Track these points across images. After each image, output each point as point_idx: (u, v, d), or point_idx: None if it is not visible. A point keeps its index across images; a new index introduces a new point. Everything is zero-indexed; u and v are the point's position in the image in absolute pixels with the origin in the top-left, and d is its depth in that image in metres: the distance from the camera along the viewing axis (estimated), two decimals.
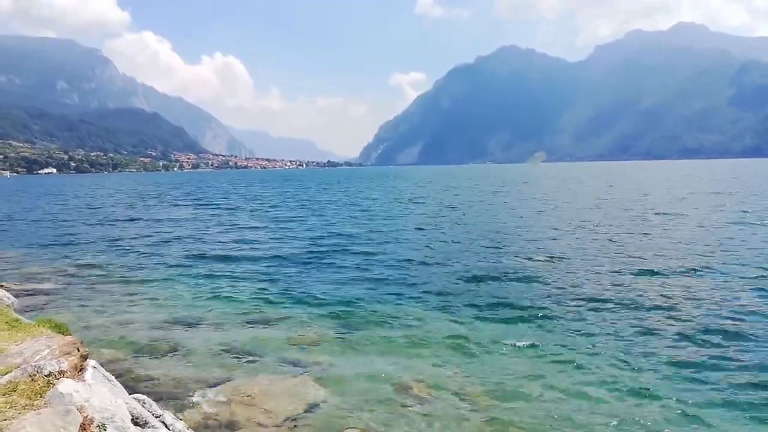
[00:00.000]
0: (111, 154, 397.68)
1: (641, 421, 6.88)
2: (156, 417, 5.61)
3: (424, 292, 13.59)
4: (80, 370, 4.83)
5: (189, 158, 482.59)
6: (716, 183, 67.37)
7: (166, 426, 5.64)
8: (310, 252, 20.28)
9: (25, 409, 3.91)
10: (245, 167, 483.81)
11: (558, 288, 13.65)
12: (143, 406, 5.51)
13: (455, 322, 11.06)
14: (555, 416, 7.04)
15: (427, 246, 20.98)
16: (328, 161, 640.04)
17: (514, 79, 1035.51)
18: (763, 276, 14.29)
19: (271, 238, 24.40)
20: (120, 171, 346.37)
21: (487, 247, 20.41)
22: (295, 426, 6.88)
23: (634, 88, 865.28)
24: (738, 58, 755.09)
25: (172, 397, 7.69)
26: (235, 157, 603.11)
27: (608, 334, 10.09)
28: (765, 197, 42.10)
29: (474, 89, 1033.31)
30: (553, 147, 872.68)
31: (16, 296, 11.79)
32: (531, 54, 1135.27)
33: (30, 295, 13.68)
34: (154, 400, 6.18)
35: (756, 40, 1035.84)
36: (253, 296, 13.56)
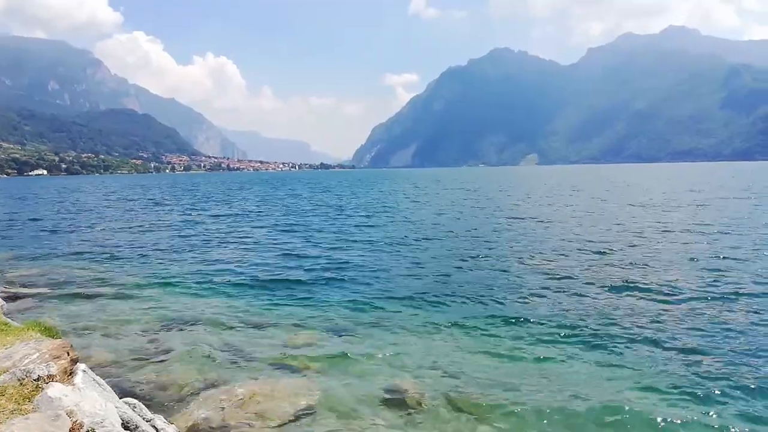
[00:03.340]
0: (102, 156, 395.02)
1: (643, 422, 6.92)
2: (147, 421, 5.55)
3: (422, 296, 13.47)
4: (70, 374, 4.77)
5: (181, 160, 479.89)
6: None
7: (157, 430, 5.61)
8: (306, 256, 20.15)
9: (13, 413, 3.85)
10: (238, 169, 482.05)
11: (559, 292, 13.61)
12: (134, 411, 5.47)
13: (453, 327, 10.96)
14: (554, 420, 7.07)
15: (425, 250, 20.91)
16: (321, 163, 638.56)
17: (507, 81, 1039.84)
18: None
19: (265, 242, 24.26)
20: (111, 173, 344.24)
21: (489, 251, 20.36)
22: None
23: (626, 91, 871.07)
24: (729, 62, 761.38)
25: (163, 401, 7.62)
26: (228, 159, 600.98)
27: (609, 334, 10.07)
28: None
29: (467, 92, 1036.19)
30: (545, 149, 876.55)
31: (5, 299, 11.63)
32: (523, 56, 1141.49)
33: (19, 298, 13.47)
34: (145, 404, 6.14)
35: (747, 43, 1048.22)
36: (246, 300, 13.44)
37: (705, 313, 11.26)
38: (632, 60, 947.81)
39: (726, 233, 22.90)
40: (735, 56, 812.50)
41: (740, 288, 13.18)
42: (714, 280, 14.16)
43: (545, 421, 7.05)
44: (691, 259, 17.09)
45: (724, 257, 17.29)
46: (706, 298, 12.40)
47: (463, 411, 7.35)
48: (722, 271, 15.31)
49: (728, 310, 11.45)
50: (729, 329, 10.22)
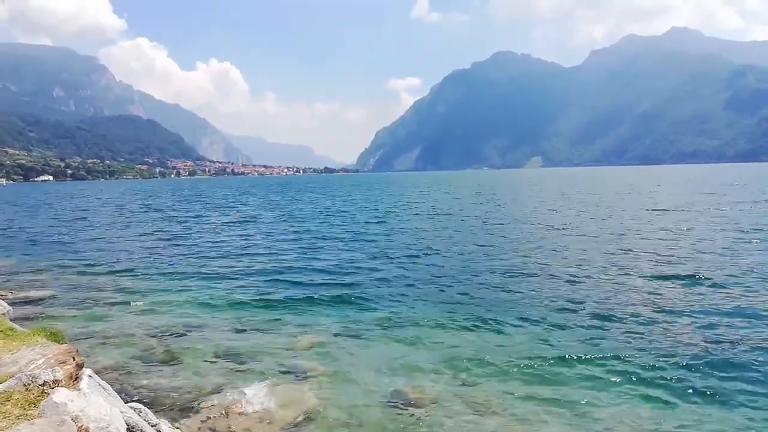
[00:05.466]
0: (107, 162, 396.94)
1: (644, 426, 6.94)
2: (152, 426, 5.55)
3: (424, 299, 13.56)
4: (75, 379, 4.79)
5: (186, 165, 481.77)
6: None
7: None
8: (308, 257, 20.25)
9: (18, 419, 3.87)
10: (242, 174, 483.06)
11: (559, 295, 13.64)
12: (139, 415, 5.47)
13: (455, 329, 11.00)
14: (555, 422, 7.07)
15: (427, 253, 20.95)
16: (325, 167, 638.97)
17: (510, 84, 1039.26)
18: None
19: (267, 245, 24.35)
20: (117, 178, 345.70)
21: (490, 255, 20.41)
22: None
23: (629, 93, 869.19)
24: (732, 63, 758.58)
25: (168, 406, 7.65)
26: (232, 164, 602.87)
27: (612, 340, 10.10)
28: None
29: (470, 95, 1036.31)
30: (549, 152, 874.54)
31: (11, 305, 11.74)
32: (526, 59, 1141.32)
33: (26, 303, 13.60)
34: (150, 409, 6.16)
35: (750, 44, 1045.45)
36: (250, 303, 13.51)
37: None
38: (635, 62, 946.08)
39: None
40: (738, 57, 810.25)
41: None
42: None
43: (552, 424, 7.04)
44: None
45: None
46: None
47: (468, 416, 7.31)
48: None
49: None
50: None
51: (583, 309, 12.07)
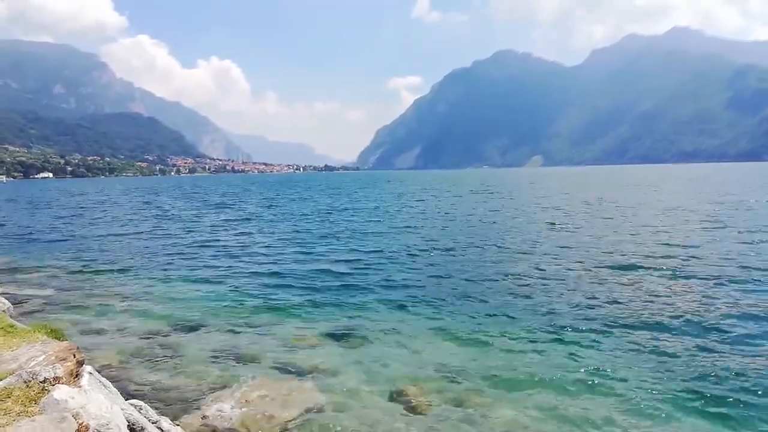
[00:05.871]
0: (108, 159, 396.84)
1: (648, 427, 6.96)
2: (152, 423, 5.57)
3: (425, 298, 13.49)
4: (76, 376, 4.80)
5: (186, 163, 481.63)
6: None
7: None
8: (308, 257, 20.20)
9: (19, 416, 3.86)
10: (243, 171, 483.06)
11: (563, 298, 13.59)
12: (140, 412, 5.49)
13: (457, 332, 10.90)
14: (554, 422, 7.07)
15: (430, 253, 20.86)
16: (326, 165, 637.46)
17: (511, 83, 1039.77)
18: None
19: (268, 244, 24.30)
20: (117, 175, 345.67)
21: (492, 256, 20.35)
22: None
23: (630, 92, 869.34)
24: (734, 62, 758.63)
25: (169, 403, 7.67)
26: (233, 161, 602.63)
27: (614, 344, 10.04)
28: None
29: (471, 93, 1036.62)
30: (550, 151, 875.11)
31: (11, 302, 11.69)
32: (527, 58, 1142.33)
33: (26, 300, 13.57)
34: (151, 406, 6.19)
35: (751, 44, 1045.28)
36: (251, 301, 13.47)
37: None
38: (636, 61, 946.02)
39: None
40: (740, 57, 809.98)
41: None
42: None
43: (552, 424, 7.06)
44: None
45: None
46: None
47: (469, 414, 7.33)
48: None
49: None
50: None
51: (587, 312, 12.00)
